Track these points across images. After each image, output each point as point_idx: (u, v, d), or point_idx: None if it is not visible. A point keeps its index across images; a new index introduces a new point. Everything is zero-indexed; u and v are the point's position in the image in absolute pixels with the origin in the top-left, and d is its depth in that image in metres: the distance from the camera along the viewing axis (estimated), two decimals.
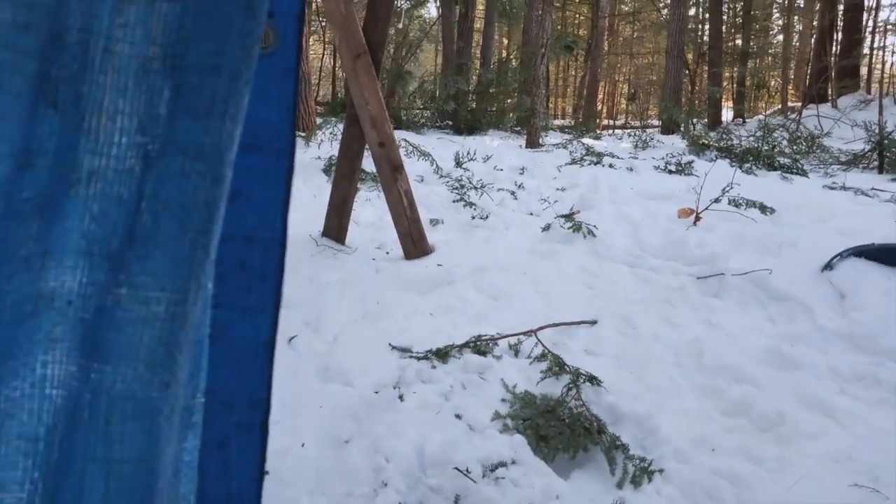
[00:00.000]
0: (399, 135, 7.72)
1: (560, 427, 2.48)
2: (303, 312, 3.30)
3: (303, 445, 2.27)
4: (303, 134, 7.85)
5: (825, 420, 2.71)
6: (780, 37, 25.68)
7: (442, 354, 2.96)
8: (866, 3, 19.43)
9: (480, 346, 3.07)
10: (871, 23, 21.01)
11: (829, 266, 4.12)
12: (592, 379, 2.79)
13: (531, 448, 2.37)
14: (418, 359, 2.92)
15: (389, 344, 3.02)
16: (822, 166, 8.98)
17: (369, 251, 4.39)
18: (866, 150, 9.10)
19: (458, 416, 2.51)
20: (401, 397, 2.63)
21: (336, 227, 4.33)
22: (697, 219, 5.41)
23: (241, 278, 0.68)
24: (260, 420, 0.71)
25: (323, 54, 20.10)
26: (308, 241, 4.30)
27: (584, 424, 2.50)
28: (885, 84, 14.91)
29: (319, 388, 2.63)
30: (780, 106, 21.32)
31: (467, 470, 2.16)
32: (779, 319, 3.70)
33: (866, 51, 20.67)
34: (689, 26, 20.52)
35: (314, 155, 6.85)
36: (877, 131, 8.81)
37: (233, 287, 0.68)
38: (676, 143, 11.23)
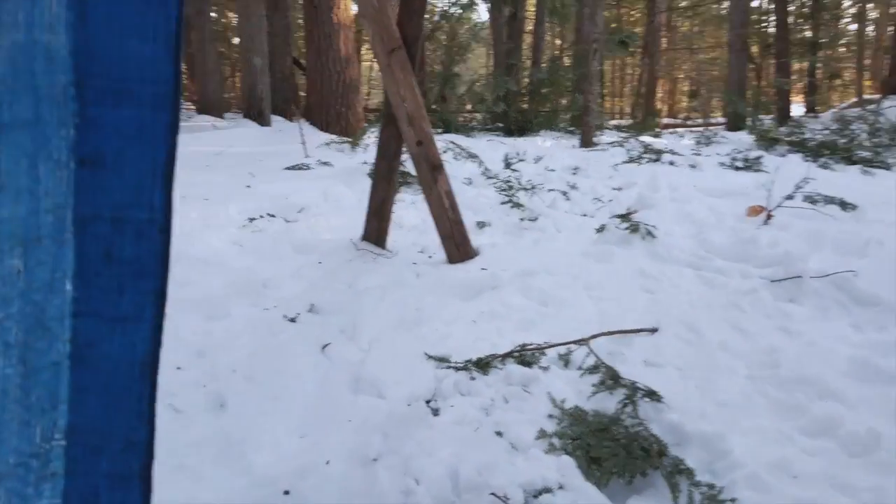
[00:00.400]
0: (447, 138, 7.57)
1: (614, 448, 2.21)
2: (338, 319, 3.13)
3: (328, 463, 2.09)
4: (349, 139, 7.78)
5: None
6: (854, 25, 24.27)
7: (483, 365, 2.72)
8: None
9: (526, 355, 2.81)
10: None
11: None
12: (651, 394, 2.50)
13: (581, 471, 2.11)
14: (457, 369, 2.69)
15: (426, 353, 2.81)
16: None
17: (411, 255, 4.21)
18: None
19: (498, 434, 2.27)
20: (436, 411, 2.41)
21: (376, 230, 4.16)
22: (769, 217, 5.02)
23: (109, 275, 0.48)
24: (138, 469, 0.51)
25: (372, 62, 20.20)
26: (348, 246, 4.14)
27: (642, 445, 2.22)
28: None
29: (350, 400, 2.44)
30: (855, 98, 20.11)
31: (506, 496, 1.92)
32: (866, 326, 3.31)
33: None
34: (753, 17, 19.59)
35: (361, 160, 6.74)
36: None
37: (98, 287, 0.48)
38: (743, 138, 10.69)
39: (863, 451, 2.29)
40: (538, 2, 14.49)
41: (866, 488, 2.09)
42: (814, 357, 3.00)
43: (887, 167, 7.60)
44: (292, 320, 3.12)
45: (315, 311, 3.28)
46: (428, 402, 2.47)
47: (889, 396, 2.65)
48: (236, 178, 5.73)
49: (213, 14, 13.90)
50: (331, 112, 9.41)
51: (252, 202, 4.90)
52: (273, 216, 4.76)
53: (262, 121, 9.81)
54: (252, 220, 4.62)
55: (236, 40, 14.86)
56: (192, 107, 12.09)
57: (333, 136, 8.46)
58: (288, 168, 6.43)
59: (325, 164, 6.69)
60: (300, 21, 16.18)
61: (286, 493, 1.95)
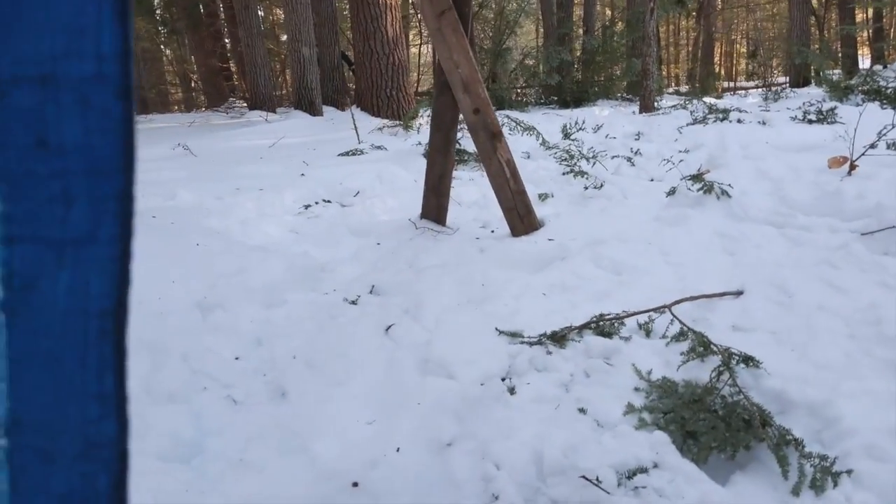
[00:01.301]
0: (502, 114, 7.34)
1: (712, 420, 2.00)
2: (401, 300, 3.00)
3: (398, 450, 1.95)
4: (402, 122, 7.65)
5: None
6: None
7: (559, 338, 2.53)
8: None
9: (604, 326, 2.61)
10: None
11: None
12: (748, 359, 2.27)
13: (677, 447, 1.92)
14: (531, 344, 2.52)
15: (496, 329, 2.64)
16: None
17: (472, 231, 4.04)
18: None
19: (581, 411, 2.09)
20: (511, 390, 2.24)
21: (435, 207, 4.00)
22: (852, 167, 4.63)
23: (43, 172, 0.32)
24: (105, 487, 0.34)
25: (420, 44, 20.01)
26: (407, 225, 4.01)
27: (742, 416, 2.01)
28: None
29: (418, 382, 2.30)
30: None
31: (598, 479, 1.74)
32: None
33: None
34: None
35: (414, 142, 6.62)
36: None
37: (29, 194, 0.32)
38: (812, 91, 10.07)
39: None
40: None
41: None
42: None
43: None
44: (353, 303, 3.01)
45: (376, 292, 3.16)
46: (502, 380, 2.31)
47: None
48: (290, 167, 5.69)
49: (259, 12, 14.01)
50: (381, 96, 9.32)
51: (307, 189, 4.84)
52: (328, 202, 4.68)
53: (314, 111, 9.80)
54: (307, 206, 4.55)
55: (284, 37, 14.96)
56: (244, 104, 12.21)
57: (386, 121, 8.36)
58: (341, 154, 6.36)
59: (379, 148, 6.59)
60: (346, 13, 16.18)
61: (355, 485, 1.82)
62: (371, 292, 3.14)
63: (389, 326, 2.73)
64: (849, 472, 1.87)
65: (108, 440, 0.35)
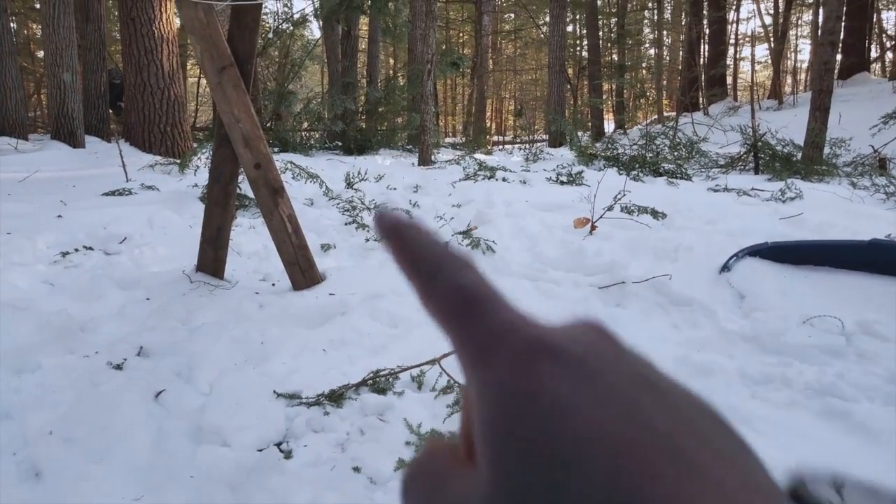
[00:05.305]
0: (286, 157, 7.34)
1: None
2: (172, 362, 2.86)
3: None
4: (177, 161, 7.26)
5: (742, 428, 2.58)
6: (653, 50, 27.40)
7: (336, 397, 2.62)
8: (729, 17, 21.10)
9: (380, 382, 2.76)
10: (733, 35, 22.93)
11: (726, 267, 4.15)
12: None
13: None
14: (309, 405, 2.57)
15: (274, 391, 2.65)
16: (703, 170, 9.45)
17: (252, 284, 3.98)
18: (742, 153, 9.62)
19: (356, 470, 2.19)
20: (288, 454, 2.27)
21: (212, 259, 3.89)
22: (593, 228, 5.41)
23: None
24: None
25: (199, 77, 19.17)
26: (180, 279, 3.83)
27: None
28: (754, 90, 16.20)
29: (190, 452, 2.23)
30: (657, 116, 22.52)
31: None
32: (683, 325, 3.67)
33: (730, 61, 22.53)
34: (569, 42, 21.33)
35: (190, 183, 6.31)
36: (751, 134, 9.30)
37: None
38: (565, 154, 11.47)
39: None
40: (371, 20, 14.57)
41: None
42: None
43: (688, 178, 8.54)
44: (118, 367, 2.81)
45: (145, 354, 2.98)
46: (279, 444, 2.33)
47: (707, 389, 2.94)
48: (45, 206, 5.12)
49: (12, 25, 12.38)
50: (154, 131, 8.74)
51: (64, 234, 4.39)
52: (90, 249, 4.29)
53: (75, 142, 8.87)
54: (65, 254, 4.14)
55: (41, 53, 13.39)
56: None
57: (158, 158, 7.86)
58: (106, 194, 5.86)
59: (150, 188, 6.18)
60: (116, 34, 14.95)
61: None
62: (139, 354, 2.96)
63: (159, 392, 2.60)
64: None
65: None
